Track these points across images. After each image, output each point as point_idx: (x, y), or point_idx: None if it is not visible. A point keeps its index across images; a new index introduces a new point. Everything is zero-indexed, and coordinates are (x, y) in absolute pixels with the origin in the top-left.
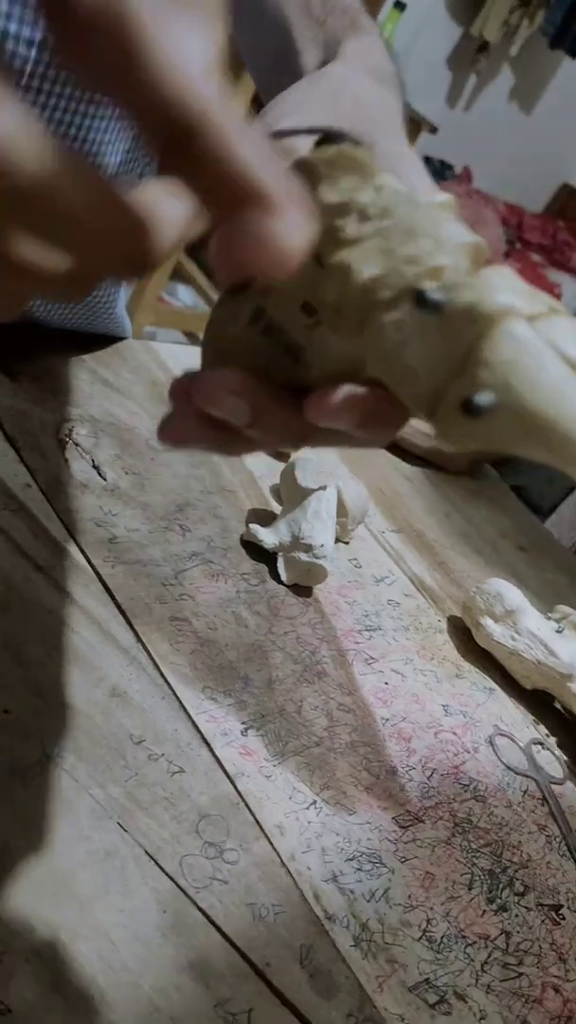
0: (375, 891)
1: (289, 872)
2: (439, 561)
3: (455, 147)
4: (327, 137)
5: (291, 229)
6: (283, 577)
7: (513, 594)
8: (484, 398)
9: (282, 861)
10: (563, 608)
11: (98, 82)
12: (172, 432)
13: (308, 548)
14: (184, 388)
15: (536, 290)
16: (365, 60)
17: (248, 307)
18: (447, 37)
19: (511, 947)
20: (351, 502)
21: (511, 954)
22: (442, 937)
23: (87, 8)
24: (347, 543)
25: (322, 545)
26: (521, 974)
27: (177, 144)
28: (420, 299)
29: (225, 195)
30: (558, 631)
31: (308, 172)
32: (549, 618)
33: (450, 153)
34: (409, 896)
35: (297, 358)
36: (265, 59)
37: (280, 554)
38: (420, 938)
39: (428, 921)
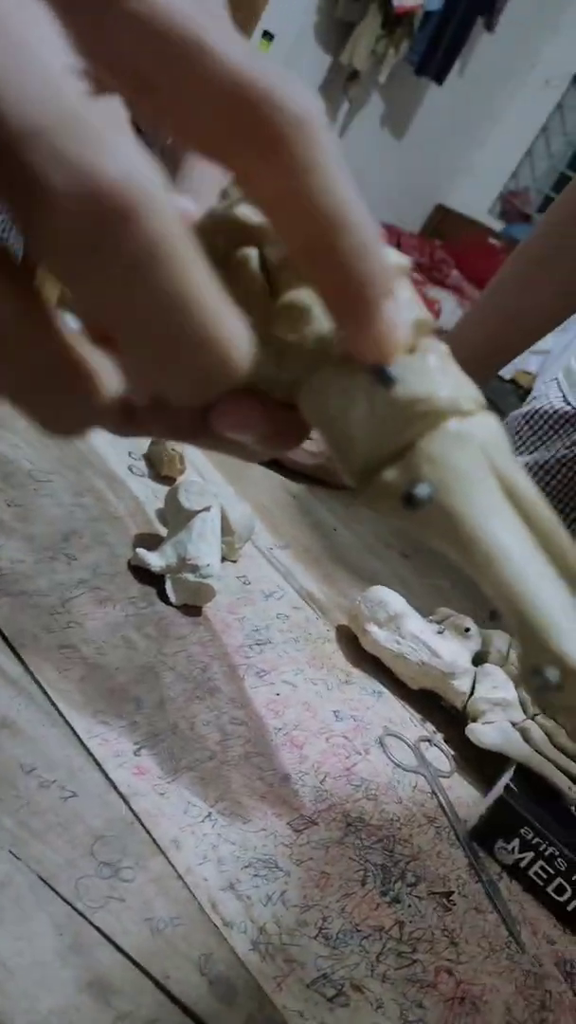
0: (271, 895)
1: (186, 885)
2: (326, 573)
3: None
4: None
5: None
6: (172, 598)
7: (395, 600)
8: (423, 491)
9: (178, 874)
10: (444, 610)
11: None
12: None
13: (195, 568)
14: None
15: (464, 377)
16: None
17: None
18: (318, 66)
19: (405, 936)
20: (236, 521)
21: (405, 943)
22: (338, 933)
23: None
24: (235, 561)
25: (208, 564)
26: (415, 961)
27: None
28: (379, 373)
29: None
30: (439, 632)
31: None
32: (431, 621)
33: None
34: (305, 896)
35: None
36: None
37: (168, 576)
38: (316, 936)
39: (324, 919)
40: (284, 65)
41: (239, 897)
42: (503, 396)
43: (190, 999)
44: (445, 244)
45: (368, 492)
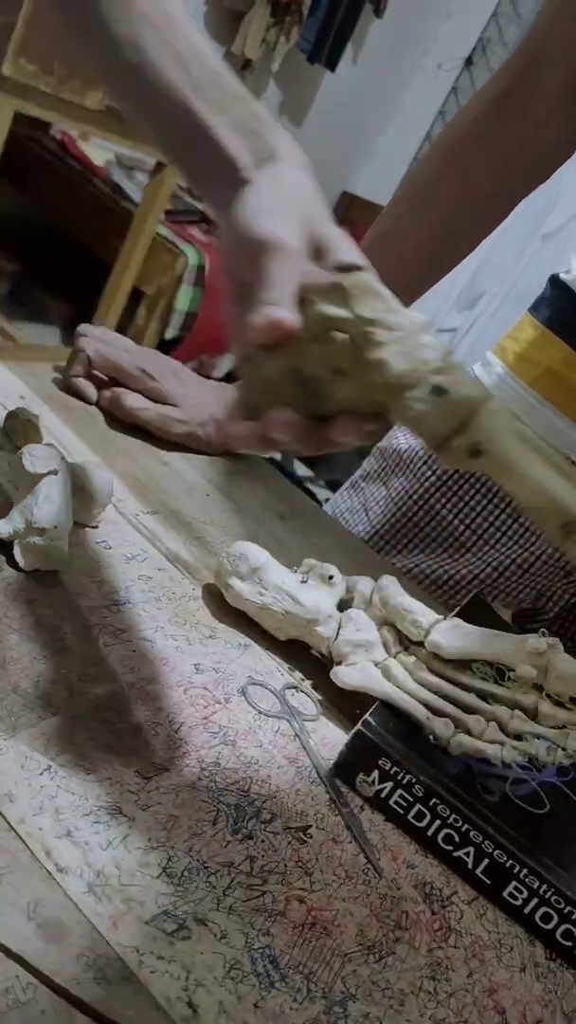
0: (112, 840)
1: (18, 835)
2: (196, 536)
3: None
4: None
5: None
6: (21, 564)
7: (256, 552)
8: (482, 446)
9: (10, 826)
10: (309, 561)
11: None
12: (243, 442)
13: (42, 531)
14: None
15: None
16: (295, 157)
17: (281, 364)
18: None
19: (255, 870)
20: (94, 486)
21: (255, 875)
22: (183, 871)
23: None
24: (95, 527)
25: (56, 527)
26: (265, 892)
27: None
28: (437, 389)
29: None
30: (303, 582)
31: (341, 291)
32: (296, 571)
33: None
34: (150, 839)
35: (319, 397)
36: (169, 134)
37: (16, 542)
38: (159, 875)
39: (169, 859)
40: None
41: (76, 844)
42: None
43: (15, 943)
44: (354, 230)
45: (443, 454)
